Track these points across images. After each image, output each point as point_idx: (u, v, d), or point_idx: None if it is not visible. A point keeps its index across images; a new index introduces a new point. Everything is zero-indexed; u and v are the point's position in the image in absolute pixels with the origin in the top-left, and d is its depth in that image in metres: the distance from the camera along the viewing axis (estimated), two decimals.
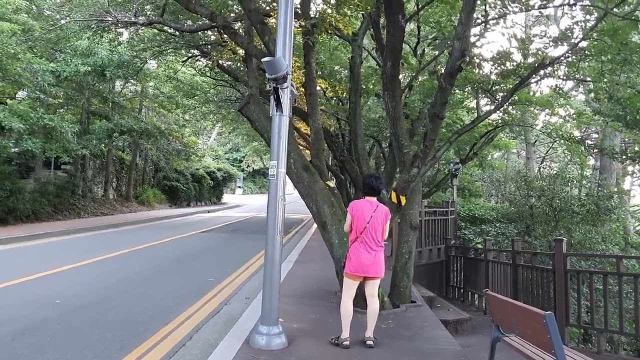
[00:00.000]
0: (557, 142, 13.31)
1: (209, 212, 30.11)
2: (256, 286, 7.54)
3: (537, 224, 10.55)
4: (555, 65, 9.79)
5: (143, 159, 31.42)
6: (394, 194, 5.18)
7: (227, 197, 46.93)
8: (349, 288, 4.63)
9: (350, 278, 4.62)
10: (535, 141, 22.20)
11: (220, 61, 14.12)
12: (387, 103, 6.54)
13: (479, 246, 11.55)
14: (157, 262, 10.00)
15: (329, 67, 12.87)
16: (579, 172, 12.79)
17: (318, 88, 12.67)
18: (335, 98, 14.71)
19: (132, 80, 25.53)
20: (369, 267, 4.52)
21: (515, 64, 10.04)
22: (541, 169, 22.94)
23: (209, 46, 14.68)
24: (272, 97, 4.53)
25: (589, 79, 9.85)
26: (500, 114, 15.23)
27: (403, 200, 5.20)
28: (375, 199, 4.71)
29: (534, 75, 10.10)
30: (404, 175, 5.11)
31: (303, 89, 8.31)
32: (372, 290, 4.67)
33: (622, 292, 6.53)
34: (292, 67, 5.33)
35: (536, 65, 9.66)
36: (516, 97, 12.14)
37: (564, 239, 7.64)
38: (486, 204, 19.71)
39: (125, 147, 30.18)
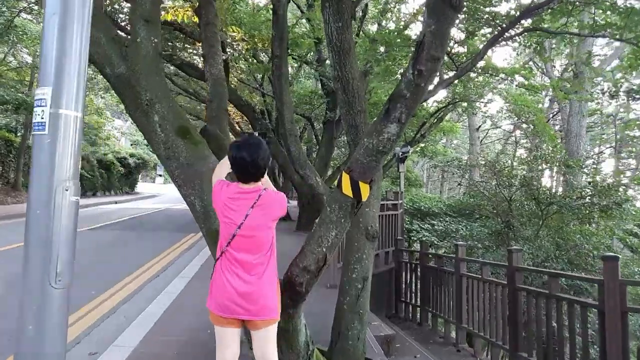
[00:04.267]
0: (524, 119, 11.40)
1: (116, 202, 26.23)
2: (118, 326, 4.78)
3: (519, 221, 8.38)
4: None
5: None
6: (346, 180, 2.49)
7: (144, 187, 42.76)
8: (220, 343, 2.56)
9: (215, 323, 2.55)
10: (480, 126, 20.56)
11: None
12: (328, 25, 3.91)
13: (434, 245, 9.27)
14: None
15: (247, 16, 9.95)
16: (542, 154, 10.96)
17: (232, 37, 9.71)
18: (251, 53, 11.77)
19: (22, 49, 21.33)
20: (239, 301, 2.44)
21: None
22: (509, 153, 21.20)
23: None
24: None
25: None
26: (451, 90, 13.09)
27: (365, 191, 2.54)
28: (255, 185, 2.52)
29: (515, 28, 7.92)
30: (369, 142, 2.43)
31: (196, 17, 5.46)
32: (262, 350, 2.54)
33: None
34: None
35: (518, 13, 7.47)
36: (481, 65, 9.92)
37: (520, 249, 5.41)
38: (429, 195, 17.73)
39: (18, 127, 25.59)
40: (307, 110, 15.13)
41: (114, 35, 3.60)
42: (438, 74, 8.11)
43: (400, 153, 11.15)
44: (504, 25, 7.51)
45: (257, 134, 2.78)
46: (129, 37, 3.94)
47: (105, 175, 30.34)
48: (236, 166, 2.47)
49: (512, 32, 8.19)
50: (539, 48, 8.19)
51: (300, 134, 20.29)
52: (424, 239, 9.63)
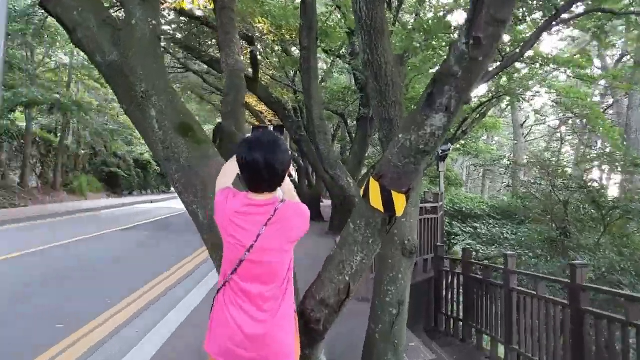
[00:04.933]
0: (576, 113, 10.39)
1: (151, 202, 26.39)
2: (128, 342, 4.34)
3: (576, 227, 7.46)
4: None
5: (76, 141, 27.29)
6: (375, 188, 1.85)
7: None
8: None
9: None
10: (525, 122, 19.39)
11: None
12: (358, 4, 3.30)
13: (478, 252, 8.48)
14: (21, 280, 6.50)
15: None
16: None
17: (259, 29, 9.18)
18: (279, 45, 11.19)
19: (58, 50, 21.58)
20: (246, 344, 1.86)
21: None
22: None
23: None
24: None
25: None
26: (494, 83, 12.20)
27: (400, 203, 1.90)
28: (271, 195, 1.92)
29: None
30: (406, 139, 1.77)
31: (211, 1, 4.94)
32: None
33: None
34: None
35: None
36: (529, 54, 9.06)
37: (585, 264, 4.55)
38: (470, 195, 16.82)
39: (57, 127, 26.06)
40: (341, 106, 14.49)
41: (105, 17, 3.09)
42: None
43: (440, 151, 10.38)
44: (559, 7, 6.68)
45: (272, 128, 2.21)
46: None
47: (141, 175, 30.63)
48: (247, 171, 1.88)
49: (567, 16, 7.36)
50: (599, 32, 7.29)
51: (334, 132, 19.68)
52: (467, 246, 8.81)
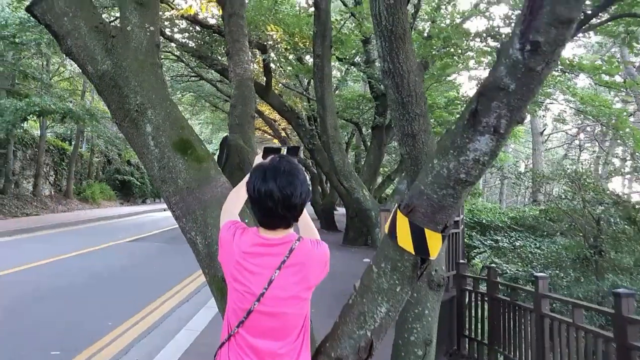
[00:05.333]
0: (602, 121, 9.83)
1: (164, 210, 26.19)
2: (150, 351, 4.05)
3: (610, 246, 6.94)
4: None
5: (90, 149, 27.35)
6: (404, 224, 1.47)
7: None
8: None
9: None
10: (544, 130, 18.82)
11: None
12: (376, 1, 2.97)
13: (504, 273, 8.02)
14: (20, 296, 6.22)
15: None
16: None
17: (272, 37, 8.89)
18: (292, 53, 10.89)
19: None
20: None
21: None
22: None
23: None
24: None
25: None
26: None
27: (435, 243, 1.52)
28: (286, 233, 1.60)
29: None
30: (442, 166, 1.39)
31: (219, 6, 4.66)
32: None
33: None
34: None
35: None
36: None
37: (632, 293, 4.07)
38: (488, 205, 16.30)
39: (72, 135, 26.14)
40: (355, 115, 14.16)
41: (97, 24, 2.78)
42: None
43: None
44: (588, 12, 6.28)
45: (286, 150, 1.87)
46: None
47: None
48: (259, 204, 1.56)
49: (596, 21, 6.95)
50: (628, 37, 6.86)
51: (348, 139, 19.32)
52: (491, 264, 8.32)
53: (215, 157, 3.44)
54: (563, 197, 8.55)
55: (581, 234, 7.43)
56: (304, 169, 1.67)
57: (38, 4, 2.71)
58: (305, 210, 1.66)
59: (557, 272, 6.93)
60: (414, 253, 1.64)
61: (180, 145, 2.73)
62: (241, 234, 1.61)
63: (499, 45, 8.15)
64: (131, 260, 9.84)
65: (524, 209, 11.92)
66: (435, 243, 1.62)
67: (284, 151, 1.86)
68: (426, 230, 1.61)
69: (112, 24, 3.01)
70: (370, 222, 7.23)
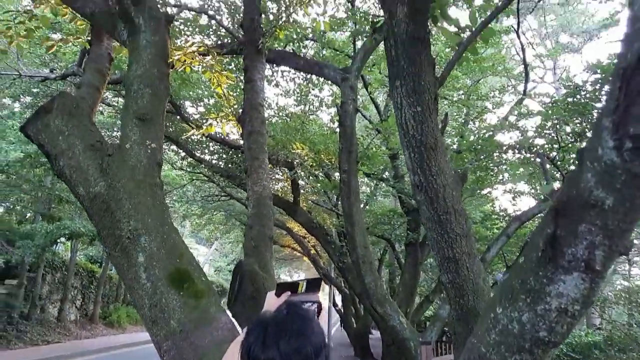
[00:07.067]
0: None
1: None
2: None
3: None
4: None
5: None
6: None
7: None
8: None
9: None
10: None
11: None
12: (401, 111, 2.67)
13: None
14: None
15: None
16: None
17: (298, 155, 8.81)
18: (317, 169, 10.75)
19: None
20: None
21: None
22: None
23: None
24: None
25: None
26: None
27: None
28: None
29: None
30: (510, 319, 0.88)
31: (239, 125, 4.52)
32: None
33: None
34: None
35: None
36: None
37: None
38: None
39: (102, 257, 26.21)
40: (387, 230, 13.66)
41: (94, 142, 2.54)
42: None
43: (501, 279, 9.13)
44: None
45: (304, 287, 1.41)
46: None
47: None
48: None
49: None
50: None
51: (380, 256, 18.60)
52: None
53: (228, 285, 2.99)
54: (632, 323, 7.46)
55: None
56: (334, 297, 1.19)
57: (32, 123, 2.49)
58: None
59: None
60: None
61: (177, 278, 2.29)
62: None
63: (533, 158, 7.79)
64: None
65: (580, 334, 10.65)
66: None
67: (302, 287, 1.40)
68: None
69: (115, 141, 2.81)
70: (410, 354, 6.40)
